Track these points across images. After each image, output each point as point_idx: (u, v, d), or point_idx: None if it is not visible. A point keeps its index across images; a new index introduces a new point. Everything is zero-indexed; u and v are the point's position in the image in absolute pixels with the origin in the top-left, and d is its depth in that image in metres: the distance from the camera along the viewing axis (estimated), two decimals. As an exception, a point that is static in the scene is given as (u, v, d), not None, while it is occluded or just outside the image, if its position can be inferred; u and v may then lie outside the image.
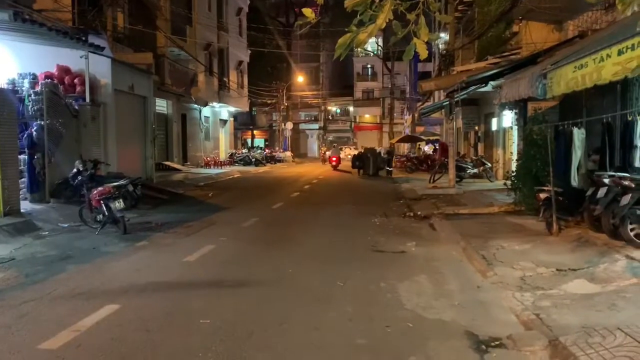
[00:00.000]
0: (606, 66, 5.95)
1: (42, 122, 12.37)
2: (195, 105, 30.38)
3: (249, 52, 41.26)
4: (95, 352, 4.25)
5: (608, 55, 5.93)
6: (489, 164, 19.57)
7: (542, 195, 8.57)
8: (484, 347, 4.34)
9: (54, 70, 14.86)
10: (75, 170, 11.48)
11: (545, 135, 10.27)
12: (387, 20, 3.39)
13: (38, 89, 12.99)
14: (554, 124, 10.23)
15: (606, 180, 7.35)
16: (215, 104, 33.62)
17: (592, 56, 6.25)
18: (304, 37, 54.48)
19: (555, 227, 8.11)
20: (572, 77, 6.83)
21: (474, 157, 21.69)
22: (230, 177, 25.62)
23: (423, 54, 3.46)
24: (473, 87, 15.30)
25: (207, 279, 6.74)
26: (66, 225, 10.45)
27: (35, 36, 12.77)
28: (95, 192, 9.91)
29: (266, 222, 11.36)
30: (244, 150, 40.35)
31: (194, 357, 4.15)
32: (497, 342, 4.41)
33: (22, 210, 10.78)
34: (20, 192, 11.30)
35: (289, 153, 46.08)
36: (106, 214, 9.71)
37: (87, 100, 14.55)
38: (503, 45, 17.84)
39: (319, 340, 4.56)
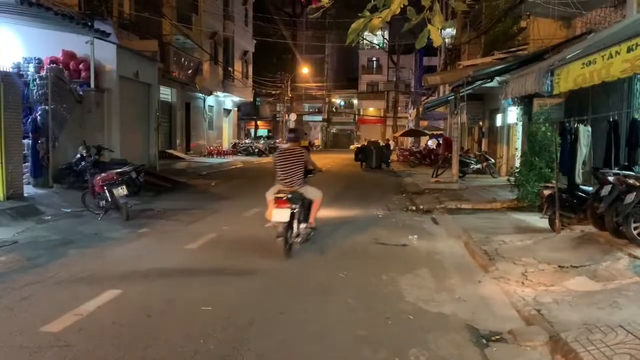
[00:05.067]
0: (615, 63, 5.90)
1: (47, 107, 12.37)
2: (200, 94, 30.34)
3: (254, 42, 41.12)
4: (96, 336, 4.27)
5: (617, 52, 5.88)
6: (493, 160, 19.55)
7: (546, 192, 8.55)
8: (484, 341, 4.35)
9: (59, 55, 14.86)
10: (78, 155, 11.52)
11: (550, 132, 10.26)
12: (401, 6, 3.36)
13: (43, 73, 13.01)
14: (559, 120, 10.20)
15: (611, 178, 7.32)
16: (219, 93, 33.56)
17: (601, 53, 6.19)
18: (309, 28, 54.28)
19: (558, 224, 8.09)
20: (579, 73, 6.78)
21: (477, 153, 21.65)
22: (233, 166, 25.63)
23: (437, 40, 3.44)
24: (479, 82, 15.24)
25: (208, 266, 6.75)
26: (69, 210, 10.46)
27: (41, 20, 12.74)
28: (98, 178, 9.91)
29: (268, 212, 11.35)
30: (247, 141, 40.33)
31: (195, 344, 4.16)
32: (497, 337, 4.41)
33: (25, 194, 10.81)
34: (24, 176, 11.32)
35: (291, 144, 45.89)
36: (109, 200, 9.72)
37: (92, 86, 14.57)
38: (510, 41, 17.75)
39: (320, 330, 4.56)
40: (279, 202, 7.00)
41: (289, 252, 7.06)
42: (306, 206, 7.52)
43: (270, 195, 7.38)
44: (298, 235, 7.34)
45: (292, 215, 7.04)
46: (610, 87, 8.79)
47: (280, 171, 7.62)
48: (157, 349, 4.06)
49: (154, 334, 4.35)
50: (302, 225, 7.42)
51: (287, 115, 50.59)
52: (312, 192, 7.65)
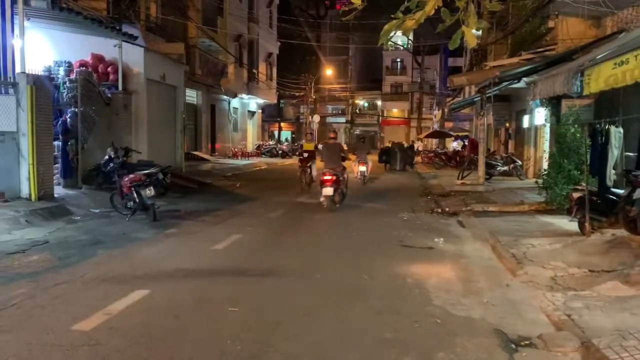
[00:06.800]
0: (648, 63, 5.76)
1: (76, 109, 12.61)
2: (225, 97, 30.58)
3: (279, 44, 41.30)
4: (126, 335, 4.33)
5: (651, 52, 5.74)
6: (520, 162, 19.25)
7: (575, 195, 8.39)
8: (513, 345, 4.28)
9: (88, 58, 15.12)
10: (107, 157, 11.68)
11: (580, 133, 10.07)
12: (436, 8, 3.32)
13: (73, 76, 13.26)
14: (589, 121, 9.99)
15: (643, 181, 7.15)
16: (244, 95, 33.79)
17: (634, 52, 6.04)
18: (333, 29, 54.26)
19: (588, 227, 7.92)
20: (611, 73, 6.62)
21: (504, 155, 21.36)
22: (257, 168, 25.77)
23: (472, 42, 3.38)
24: (506, 83, 15.02)
25: (235, 267, 6.80)
26: (97, 210, 10.65)
27: (71, 24, 13.01)
28: (126, 179, 10.06)
29: (292, 214, 11.40)
30: (270, 142, 40.50)
31: (222, 344, 4.19)
32: (527, 342, 4.34)
33: (55, 195, 11.03)
34: (54, 177, 11.56)
35: (315, 146, 45.98)
36: (137, 200, 9.85)
37: (120, 88, 14.80)
38: (537, 41, 17.46)
39: (346, 332, 4.55)
40: (360, 163, 18.36)
41: (364, 181, 18.31)
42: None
43: (353, 163, 17.64)
44: (366, 176, 18.51)
45: (365, 169, 18.46)
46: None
47: (359, 154, 18.68)
48: (186, 349, 4.10)
49: (182, 334, 4.39)
50: (367, 174, 18.56)
51: (310, 117, 50.64)
52: (369, 162, 18.93)
